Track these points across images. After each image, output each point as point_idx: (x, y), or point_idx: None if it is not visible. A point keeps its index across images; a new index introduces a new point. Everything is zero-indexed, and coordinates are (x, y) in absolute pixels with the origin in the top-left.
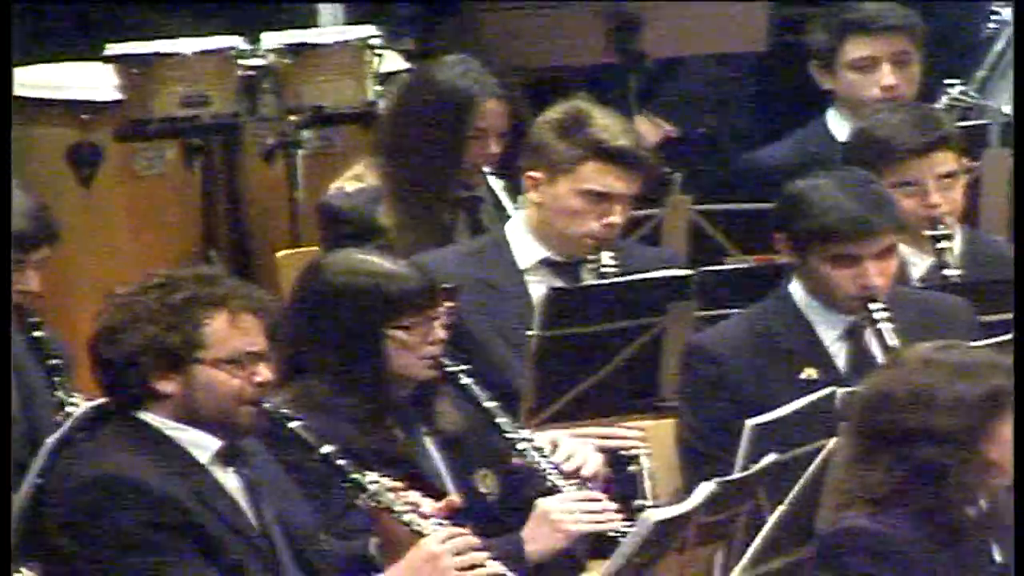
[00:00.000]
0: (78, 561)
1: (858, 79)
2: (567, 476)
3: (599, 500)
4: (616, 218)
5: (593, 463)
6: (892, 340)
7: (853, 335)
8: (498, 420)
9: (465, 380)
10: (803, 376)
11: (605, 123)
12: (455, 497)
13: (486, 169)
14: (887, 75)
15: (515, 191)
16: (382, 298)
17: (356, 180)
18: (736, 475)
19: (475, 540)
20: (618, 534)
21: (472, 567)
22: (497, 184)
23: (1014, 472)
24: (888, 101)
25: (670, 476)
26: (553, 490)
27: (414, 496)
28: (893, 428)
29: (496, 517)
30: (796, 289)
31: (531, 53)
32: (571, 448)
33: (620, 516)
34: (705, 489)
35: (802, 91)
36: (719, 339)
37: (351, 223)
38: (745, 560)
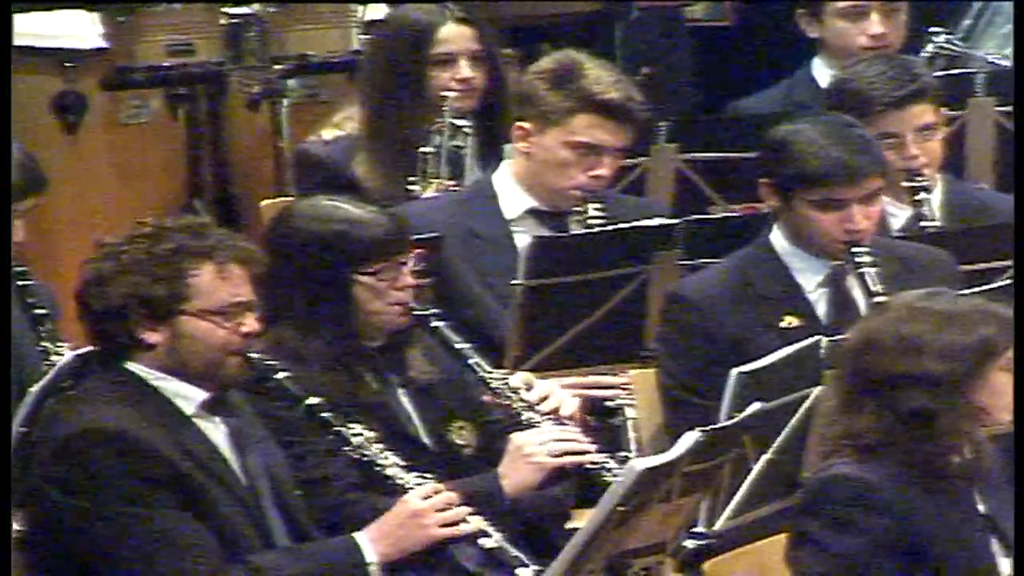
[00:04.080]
0: (63, 511)
1: (846, 27)
2: (542, 415)
3: (573, 434)
4: (604, 170)
5: (569, 404)
6: (875, 285)
7: (834, 282)
8: (471, 361)
9: (436, 323)
10: (783, 324)
11: (597, 75)
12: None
13: (461, 122)
14: (875, 24)
15: (494, 142)
16: (349, 243)
17: (335, 128)
18: (722, 424)
19: (456, 496)
20: (594, 466)
21: (455, 523)
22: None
23: (1015, 467)
24: (875, 50)
25: (655, 425)
26: (527, 427)
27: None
28: (881, 374)
29: (471, 469)
30: (777, 237)
31: (516, 3)
32: (546, 389)
33: (594, 448)
34: (691, 438)
35: (789, 39)
36: (699, 287)
37: (325, 171)
38: (730, 509)
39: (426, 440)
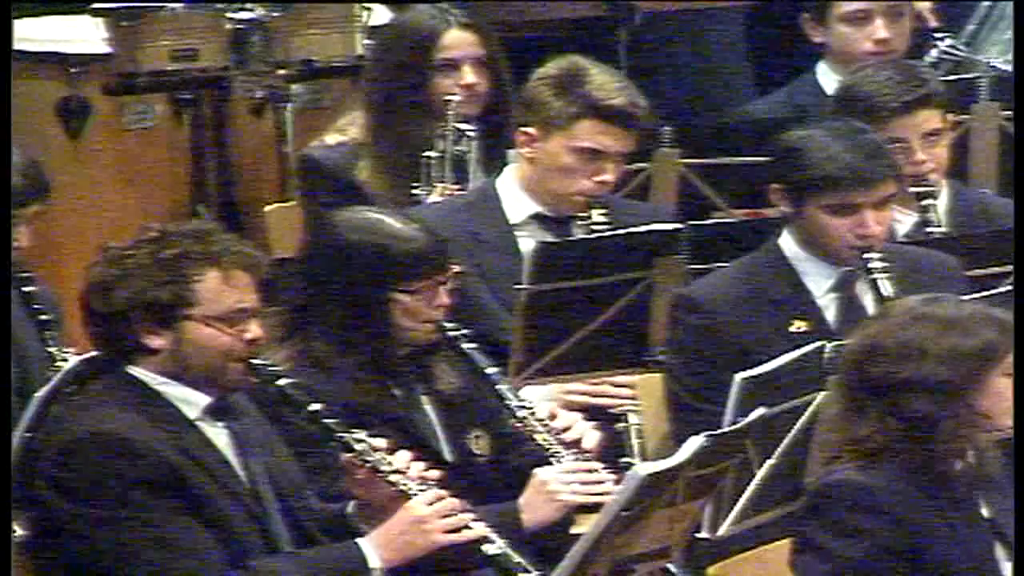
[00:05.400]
0: (66, 516)
1: (850, 32)
2: (565, 446)
3: (596, 471)
4: (609, 176)
5: (591, 437)
6: (887, 290)
7: (844, 287)
8: (499, 387)
9: (466, 346)
10: (792, 328)
11: (601, 81)
12: (434, 473)
13: (466, 126)
14: (880, 29)
15: (497, 147)
16: (393, 261)
17: (339, 133)
18: (725, 429)
19: (460, 502)
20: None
21: (458, 529)
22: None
23: (1015, 471)
24: (880, 55)
25: (659, 431)
26: (551, 459)
27: (402, 458)
28: (883, 380)
29: (487, 479)
30: (787, 241)
31: (519, 7)
32: (569, 419)
33: (618, 488)
34: (694, 443)
35: (793, 44)
36: (708, 290)
37: (329, 176)
38: (734, 514)
39: (447, 451)
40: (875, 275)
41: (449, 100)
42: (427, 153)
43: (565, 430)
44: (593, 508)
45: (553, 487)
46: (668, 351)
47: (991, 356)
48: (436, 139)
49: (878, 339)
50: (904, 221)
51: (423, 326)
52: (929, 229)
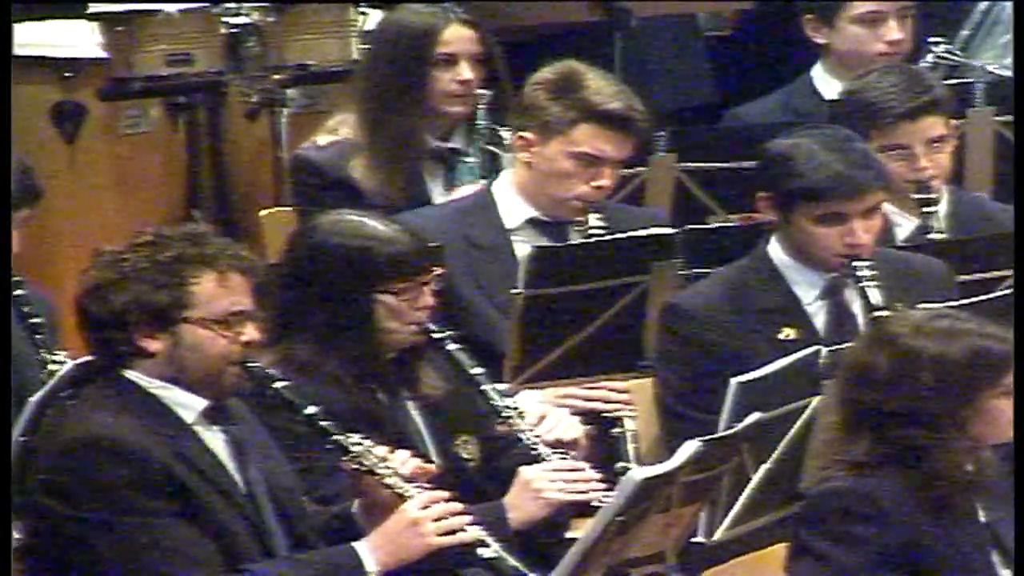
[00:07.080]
0: (63, 521)
1: (863, 33)
2: (551, 445)
3: (582, 469)
4: (606, 181)
5: (574, 430)
6: (876, 299)
7: (832, 294)
8: (484, 387)
9: (451, 347)
10: (782, 336)
11: (598, 85)
12: (431, 466)
13: (481, 121)
14: (894, 30)
15: (495, 148)
16: (375, 262)
17: (329, 134)
18: (720, 434)
19: (456, 505)
20: (601, 505)
21: (453, 532)
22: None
23: (1015, 479)
24: (889, 56)
25: (654, 435)
26: (537, 458)
27: (399, 456)
28: (873, 407)
29: (476, 483)
30: (774, 249)
31: (515, 12)
32: (555, 419)
33: (603, 486)
34: (690, 448)
35: (785, 47)
36: (696, 299)
37: (321, 176)
38: (729, 518)
39: (435, 456)
40: (864, 284)
41: (482, 95)
42: (450, 145)
43: (551, 430)
44: (585, 510)
45: (538, 485)
46: (658, 360)
47: (982, 367)
48: (461, 136)
49: (870, 362)
50: (904, 225)
51: (407, 328)
52: (929, 235)
